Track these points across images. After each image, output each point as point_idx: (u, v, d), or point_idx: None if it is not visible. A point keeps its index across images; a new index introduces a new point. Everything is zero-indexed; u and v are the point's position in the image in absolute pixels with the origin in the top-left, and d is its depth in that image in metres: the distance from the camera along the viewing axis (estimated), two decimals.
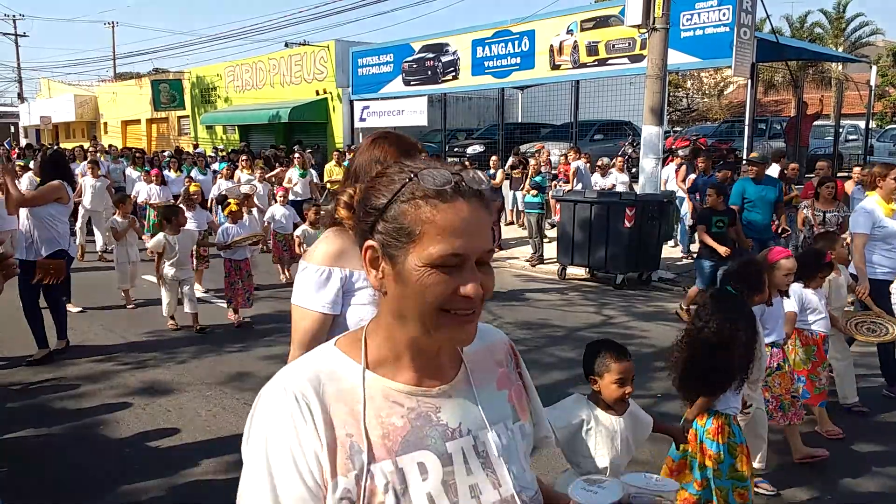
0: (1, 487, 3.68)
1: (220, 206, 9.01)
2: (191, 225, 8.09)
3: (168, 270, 6.74)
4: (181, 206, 8.18)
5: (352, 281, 1.89)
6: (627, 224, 8.81)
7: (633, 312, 7.86)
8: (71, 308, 7.16)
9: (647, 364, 6.04)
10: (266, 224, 9.10)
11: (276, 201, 9.78)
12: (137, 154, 15.97)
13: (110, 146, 20.64)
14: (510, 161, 12.88)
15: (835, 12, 29.04)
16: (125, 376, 5.48)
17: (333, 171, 13.08)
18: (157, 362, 5.85)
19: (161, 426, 4.52)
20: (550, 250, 10.60)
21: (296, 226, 9.17)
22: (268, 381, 1.04)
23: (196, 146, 22.28)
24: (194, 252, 7.84)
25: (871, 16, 60.45)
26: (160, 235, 6.81)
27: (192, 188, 9.24)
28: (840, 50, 26.36)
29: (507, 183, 12.68)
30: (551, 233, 11.33)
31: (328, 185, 12.97)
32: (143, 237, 9.34)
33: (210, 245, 7.89)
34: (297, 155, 13.55)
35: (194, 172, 13.58)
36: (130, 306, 7.80)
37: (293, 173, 12.54)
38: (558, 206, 10.38)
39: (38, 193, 5.86)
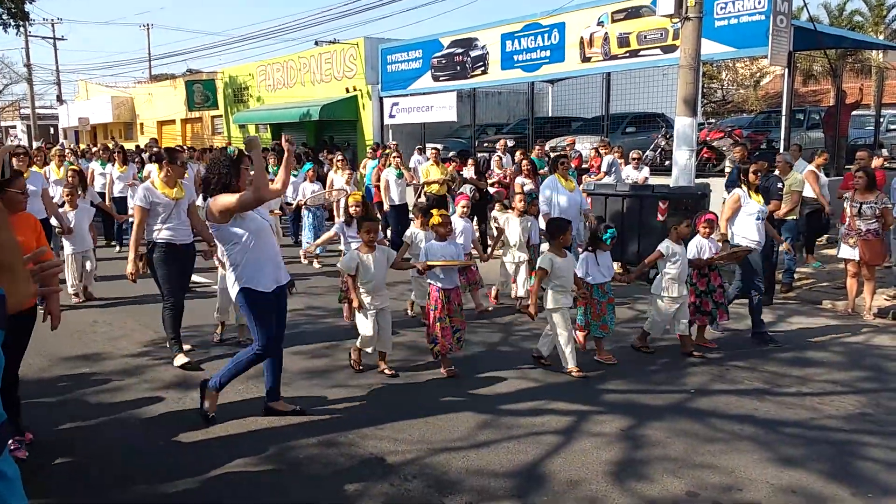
0: (31, 479, 3.75)
1: (419, 218, 7.11)
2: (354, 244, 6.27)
3: (364, 298, 5.35)
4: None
5: None
6: (660, 217, 8.68)
7: None
8: None
9: (681, 359, 5.94)
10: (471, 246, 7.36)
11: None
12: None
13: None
14: (535, 152, 12.69)
15: None
16: (159, 371, 5.56)
17: (430, 172, 11.62)
18: (190, 357, 5.91)
19: (193, 420, 4.56)
20: None
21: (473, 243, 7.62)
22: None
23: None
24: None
25: None
26: (353, 252, 5.46)
27: (353, 198, 6.87)
28: (881, 38, 25.61)
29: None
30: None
31: (425, 187, 11.58)
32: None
33: (407, 267, 6.07)
34: (394, 154, 11.64)
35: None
36: (216, 338, 6.56)
37: (390, 174, 10.98)
38: (589, 200, 10.25)
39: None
